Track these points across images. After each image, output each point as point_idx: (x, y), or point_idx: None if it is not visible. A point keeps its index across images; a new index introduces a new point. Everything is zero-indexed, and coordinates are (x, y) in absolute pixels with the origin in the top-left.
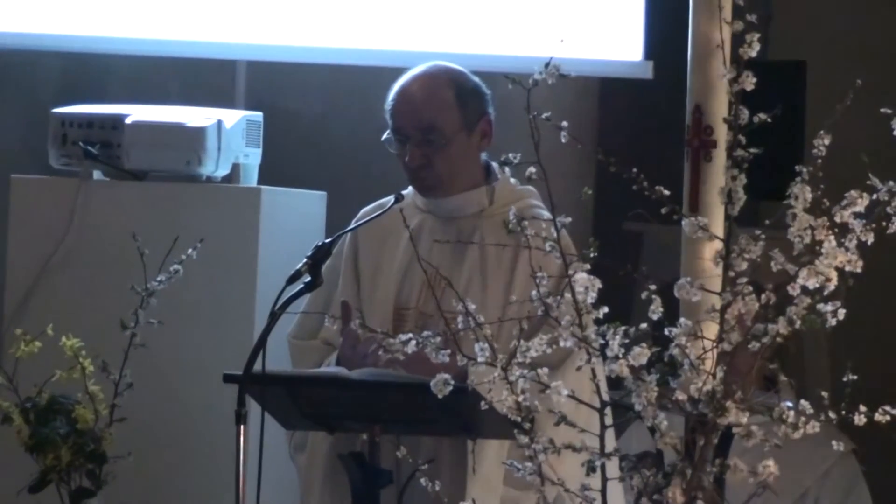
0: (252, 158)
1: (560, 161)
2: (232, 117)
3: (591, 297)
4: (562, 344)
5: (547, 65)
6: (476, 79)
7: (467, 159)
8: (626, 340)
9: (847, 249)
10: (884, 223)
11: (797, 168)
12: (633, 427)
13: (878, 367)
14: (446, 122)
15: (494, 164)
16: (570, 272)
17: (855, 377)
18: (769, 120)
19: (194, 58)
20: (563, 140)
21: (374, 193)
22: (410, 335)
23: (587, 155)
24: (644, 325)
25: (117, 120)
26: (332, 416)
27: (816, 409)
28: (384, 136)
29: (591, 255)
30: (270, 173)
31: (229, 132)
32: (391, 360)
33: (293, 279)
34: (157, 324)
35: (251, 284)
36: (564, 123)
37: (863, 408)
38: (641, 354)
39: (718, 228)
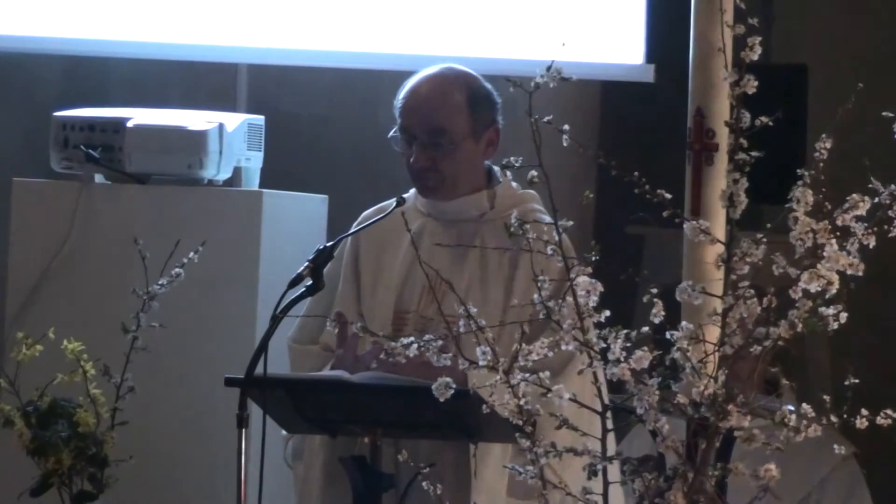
0: (253, 162)
1: (562, 164)
2: (233, 121)
3: (593, 300)
4: (563, 347)
5: (549, 68)
6: (489, 86)
7: (471, 165)
8: (628, 344)
9: (849, 253)
10: (885, 226)
11: (799, 171)
12: (634, 430)
13: (879, 371)
14: (455, 126)
15: (496, 168)
16: (572, 276)
17: (856, 380)
18: (771, 123)
19: (196, 61)
20: (565, 143)
21: (376, 196)
22: (412, 338)
23: (589, 158)
24: (646, 329)
25: (119, 123)
26: (333, 419)
27: (818, 412)
28: (391, 132)
29: (593, 258)
30: (272, 177)
31: (231, 135)
32: (393, 363)
33: (295, 283)
34: (159, 327)
35: (253, 288)
36: (566, 127)
37: (864, 411)
38: (643, 358)
39: (720, 232)
